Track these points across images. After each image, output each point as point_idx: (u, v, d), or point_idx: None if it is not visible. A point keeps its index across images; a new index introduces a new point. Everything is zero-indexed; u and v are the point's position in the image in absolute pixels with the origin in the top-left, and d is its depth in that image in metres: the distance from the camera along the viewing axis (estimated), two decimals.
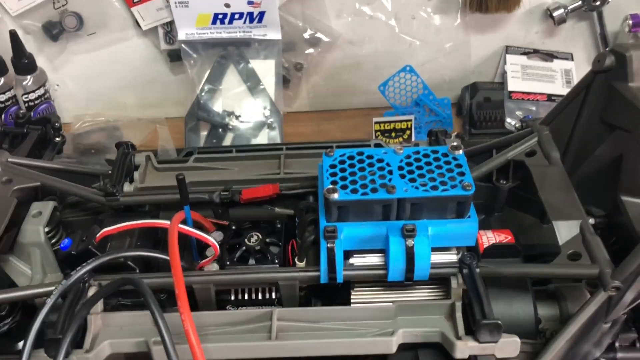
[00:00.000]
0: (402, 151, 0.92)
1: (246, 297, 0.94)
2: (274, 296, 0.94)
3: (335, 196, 0.85)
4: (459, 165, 0.89)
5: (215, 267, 0.94)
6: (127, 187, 1.06)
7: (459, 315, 0.84)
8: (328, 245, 0.86)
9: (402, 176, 0.88)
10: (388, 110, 1.66)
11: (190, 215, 0.94)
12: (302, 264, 0.92)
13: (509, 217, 1.14)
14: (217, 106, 1.59)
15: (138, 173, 1.09)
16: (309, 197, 1.02)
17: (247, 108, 1.59)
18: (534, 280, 0.97)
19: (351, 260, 0.91)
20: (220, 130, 1.58)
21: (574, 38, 1.70)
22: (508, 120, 1.63)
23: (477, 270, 0.86)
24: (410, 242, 0.85)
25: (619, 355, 1.07)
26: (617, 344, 1.07)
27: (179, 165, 1.12)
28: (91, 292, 0.88)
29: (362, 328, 0.86)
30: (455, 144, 0.92)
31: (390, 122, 1.61)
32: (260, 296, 0.94)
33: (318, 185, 0.97)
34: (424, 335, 0.84)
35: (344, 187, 0.87)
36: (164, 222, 0.92)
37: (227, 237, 0.99)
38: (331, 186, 0.86)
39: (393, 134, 1.63)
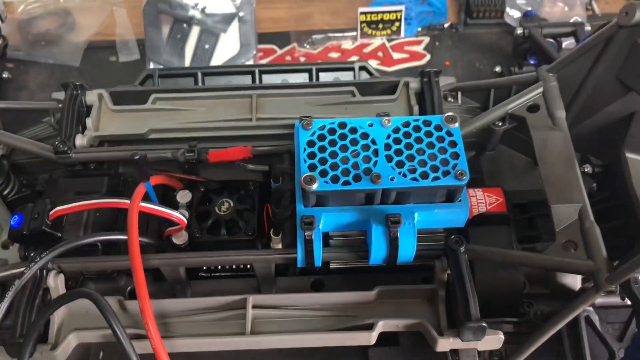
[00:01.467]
0: (389, 124, 0.80)
1: (219, 267, 0.89)
2: (248, 266, 0.89)
3: (314, 186, 0.76)
4: (453, 144, 0.79)
5: (184, 236, 0.87)
6: (80, 140, 0.94)
7: (442, 308, 0.80)
8: (305, 236, 0.78)
9: (389, 158, 0.78)
10: (376, 0, 1.47)
11: (153, 190, 0.85)
12: (277, 239, 0.86)
13: (501, 155, 1.06)
14: None
15: (91, 119, 0.96)
16: (284, 155, 0.92)
17: None
18: (521, 238, 0.93)
19: (330, 239, 0.84)
20: (184, 25, 1.39)
21: None
22: (508, 10, 1.45)
23: (465, 257, 0.81)
24: (394, 232, 0.78)
25: (597, 300, 1.07)
26: None
27: (137, 107, 0.98)
28: (50, 278, 0.82)
29: (342, 315, 0.82)
30: (450, 114, 0.80)
31: (377, 12, 1.43)
32: (234, 266, 0.89)
33: (295, 145, 0.86)
34: (405, 326, 0.81)
35: (323, 173, 0.77)
36: (122, 202, 0.83)
37: (196, 200, 0.90)
38: (309, 174, 0.76)
39: (380, 26, 1.46)
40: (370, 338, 0.80)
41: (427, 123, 0.80)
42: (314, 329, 0.80)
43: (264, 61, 1.46)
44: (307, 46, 1.49)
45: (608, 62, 0.84)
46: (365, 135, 0.80)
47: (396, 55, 1.48)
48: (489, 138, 1.02)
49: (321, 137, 0.80)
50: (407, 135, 0.80)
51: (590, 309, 1.07)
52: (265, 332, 0.80)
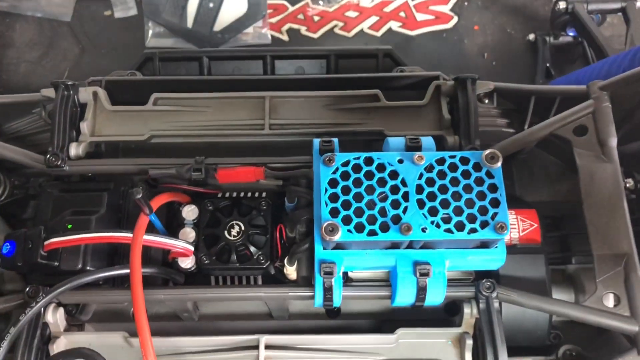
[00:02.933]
0: (422, 162, 0.71)
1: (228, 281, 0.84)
2: (260, 282, 0.83)
3: (336, 237, 0.68)
4: (493, 188, 0.70)
5: (191, 261, 0.81)
6: (75, 149, 0.84)
7: (468, 355, 0.75)
8: (325, 283, 0.72)
9: (421, 204, 0.69)
10: None
11: (158, 221, 0.77)
12: (292, 268, 0.79)
13: (535, 161, 0.97)
14: None
15: (86, 121, 0.86)
16: (300, 180, 0.83)
17: None
18: (552, 258, 0.87)
19: (350, 275, 0.78)
20: None
21: None
22: None
23: (496, 303, 0.75)
24: (423, 282, 0.71)
25: None
26: None
27: (137, 108, 0.88)
28: (49, 313, 0.76)
29: (359, 357, 0.77)
30: (489, 152, 0.70)
31: None
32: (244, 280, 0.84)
33: (313, 170, 0.77)
34: None
35: (346, 220, 0.69)
36: (124, 236, 0.75)
37: (204, 219, 0.83)
38: (331, 221, 0.68)
39: None
40: None
41: (464, 161, 0.71)
42: None
43: (274, 19, 1.33)
44: (322, 3, 1.35)
45: None
46: (394, 175, 0.71)
47: (420, 17, 1.34)
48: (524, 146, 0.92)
49: (345, 176, 0.71)
50: (441, 175, 0.71)
51: None
52: None
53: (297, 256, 0.78)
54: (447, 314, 0.84)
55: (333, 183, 0.71)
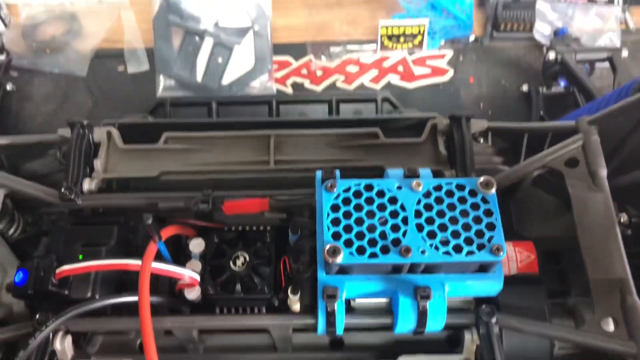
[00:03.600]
0: (420, 188, 0.74)
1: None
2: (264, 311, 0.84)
3: (338, 260, 0.70)
4: (488, 213, 0.73)
5: (197, 292, 0.83)
6: (88, 185, 0.88)
7: None
8: (328, 308, 0.73)
9: (420, 227, 0.72)
10: (397, 13, 1.39)
11: (166, 250, 0.80)
12: (295, 297, 0.81)
13: (531, 198, 1.00)
14: (191, 8, 1.31)
15: (99, 159, 0.90)
16: (304, 208, 0.86)
17: (227, 10, 1.31)
18: (551, 291, 0.88)
19: (352, 304, 0.80)
20: (196, 37, 1.32)
21: None
22: (538, 25, 1.37)
23: (496, 329, 0.76)
24: (423, 305, 0.73)
25: None
26: None
27: (148, 147, 0.92)
28: (57, 340, 0.78)
29: None
30: (484, 179, 0.74)
31: (399, 26, 1.35)
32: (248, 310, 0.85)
33: (316, 201, 0.80)
34: None
35: (348, 243, 0.71)
36: (133, 263, 0.78)
37: (210, 251, 0.85)
38: (333, 244, 0.71)
39: (402, 39, 1.38)
40: None
41: (460, 187, 0.75)
42: None
43: (279, 74, 1.39)
44: (324, 58, 1.42)
45: None
46: (393, 200, 0.74)
47: (417, 70, 1.41)
48: (520, 183, 0.96)
49: (346, 201, 0.74)
50: (439, 201, 0.74)
51: None
52: None
53: (301, 285, 0.80)
54: (449, 346, 0.84)
55: (335, 208, 0.74)
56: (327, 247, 0.71)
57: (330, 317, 0.74)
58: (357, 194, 0.74)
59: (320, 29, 1.48)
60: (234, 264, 0.84)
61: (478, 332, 0.77)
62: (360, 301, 0.80)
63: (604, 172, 0.81)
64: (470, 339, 0.78)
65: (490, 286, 0.75)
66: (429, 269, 0.74)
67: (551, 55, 1.22)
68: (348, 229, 0.72)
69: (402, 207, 0.73)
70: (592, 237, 0.78)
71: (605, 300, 0.75)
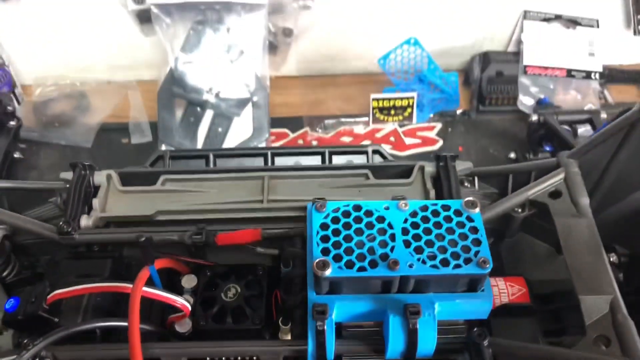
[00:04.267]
0: (407, 208, 0.77)
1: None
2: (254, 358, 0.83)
3: (327, 273, 0.71)
4: (474, 230, 0.75)
5: (188, 324, 0.82)
6: (85, 221, 0.91)
7: None
8: (318, 327, 0.73)
9: (407, 244, 0.74)
10: (388, 87, 1.48)
11: (157, 274, 0.80)
12: (286, 328, 0.80)
13: (521, 243, 1.02)
14: (194, 80, 1.40)
15: (98, 199, 0.93)
16: (296, 240, 0.88)
17: (227, 82, 1.40)
18: (546, 331, 0.87)
19: (343, 333, 0.79)
20: (198, 108, 1.40)
21: (601, 1, 1.49)
22: (521, 98, 1.46)
23: (489, 351, 0.75)
24: (414, 323, 0.73)
25: None
26: None
27: (145, 188, 0.96)
28: None
29: None
30: (470, 199, 0.77)
31: (390, 99, 1.44)
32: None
33: (307, 228, 0.82)
34: None
35: (337, 257, 0.73)
36: (125, 286, 0.78)
37: (202, 284, 0.86)
38: (322, 258, 0.72)
39: (392, 112, 1.46)
40: None
41: (446, 208, 0.77)
42: None
43: (276, 144, 1.46)
44: (320, 130, 1.49)
45: (632, 148, 0.82)
46: (381, 219, 0.76)
47: (408, 141, 1.47)
48: (509, 225, 0.98)
49: (335, 220, 0.76)
50: (425, 219, 0.76)
51: None
52: None
53: (291, 315, 0.80)
54: None
55: (324, 226, 0.76)
56: (317, 261, 0.72)
57: (320, 336, 0.73)
58: (346, 214, 0.77)
59: (315, 105, 1.56)
60: (226, 295, 0.84)
61: (470, 357, 0.76)
62: (351, 329, 0.79)
63: (586, 201, 0.84)
64: None
65: (479, 305, 0.75)
66: (419, 288, 0.74)
67: (534, 117, 1.29)
68: (337, 245, 0.74)
69: (390, 225, 0.75)
70: (579, 258, 0.79)
71: (596, 319, 0.74)
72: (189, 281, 0.86)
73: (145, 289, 0.78)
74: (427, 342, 0.74)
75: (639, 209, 0.87)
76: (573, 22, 1.48)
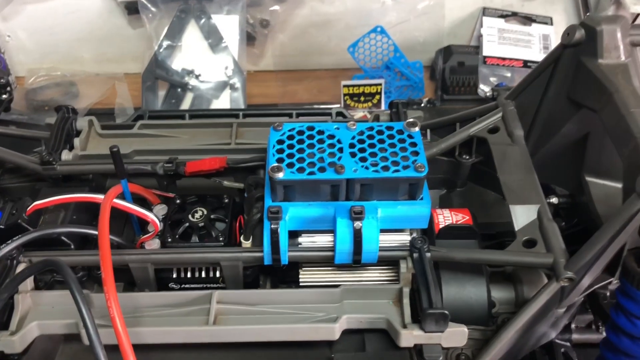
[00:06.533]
0: (355, 127, 0.86)
1: (189, 275, 0.90)
2: (218, 274, 0.89)
3: (280, 175, 0.80)
4: (413, 144, 0.84)
5: (156, 243, 0.89)
6: (66, 155, 0.99)
7: (406, 302, 0.80)
8: (272, 226, 0.81)
9: (353, 154, 0.83)
10: (357, 74, 1.59)
11: (129, 189, 0.88)
12: (247, 243, 0.88)
13: (471, 192, 1.10)
14: (176, 64, 1.51)
15: (79, 139, 1.02)
16: (259, 171, 0.97)
17: (208, 67, 1.51)
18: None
19: (299, 239, 0.86)
20: (179, 90, 1.50)
21: (554, 2, 1.62)
22: (481, 86, 1.57)
23: (428, 254, 0.82)
24: (358, 224, 0.80)
25: (575, 336, 1.05)
26: (573, 325, 1.06)
27: (123, 131, 1.05)
28: (20, 268, 0.83)
29: (306, 312, 0.82)
30: (411, 120, 0.86)
31: (359, 85, 1.54)
32: (204, 274, 0.90)
33: (267, 149, 0.91)
34: (369, 322, 0.80)
35: (290, 165, 0.81)
36: (97, 197, 0.86)
37: (171, 211, 0.93)
38: (276, 164, 0.81)
39: (362, 99, 1.56)
40: (333, 332, 0.79)
41: (390, 128, 0.86)
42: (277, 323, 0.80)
43: None
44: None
45: (558, 84, 0.91)
46: (331, 137, 0.85)
47: None
48: (458, 173, 1.06)
49: (290, 137, 0.85)
50: (370, 137, 0.85)
51: (568, 344, 1.06)
52: (227, 325, 0.79)
53: (252, 230, 0.87)
54: None
55: (280, 142, 0.85)
56: (272, 166, 0.80)
57: (274, 235, 0.81)
58: (300, 132, 0.86)
59: (291, 95, 1.67)
60: (192, 217, 0.92)
61: (412, 260, 0.83)
62: (305, 240, 0.87)
63: (520, 132, 0.93)
64: (406, 267, 0.83)
65: (419, 211, 0.83)
66: (364, 196, 0.83)
67: (489, 93, 1.39)
68: (290, 155, 0.83)
69: (339, 141, 0.84)
70: (511, 175, 0.87)
71: (525, 224, 0.82)
72: (159, 211, 0.94)
73: (117, 200, 0.85)
74: (371, 243, 0.81)
75: (569, 145, 0.95)
76: (528, 19, 1.60)
